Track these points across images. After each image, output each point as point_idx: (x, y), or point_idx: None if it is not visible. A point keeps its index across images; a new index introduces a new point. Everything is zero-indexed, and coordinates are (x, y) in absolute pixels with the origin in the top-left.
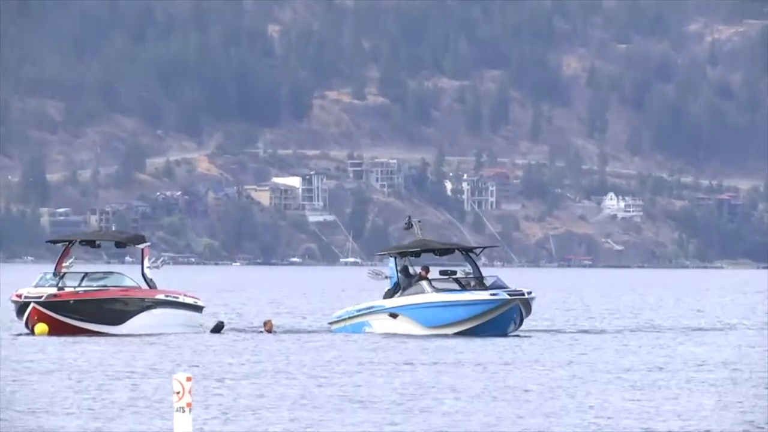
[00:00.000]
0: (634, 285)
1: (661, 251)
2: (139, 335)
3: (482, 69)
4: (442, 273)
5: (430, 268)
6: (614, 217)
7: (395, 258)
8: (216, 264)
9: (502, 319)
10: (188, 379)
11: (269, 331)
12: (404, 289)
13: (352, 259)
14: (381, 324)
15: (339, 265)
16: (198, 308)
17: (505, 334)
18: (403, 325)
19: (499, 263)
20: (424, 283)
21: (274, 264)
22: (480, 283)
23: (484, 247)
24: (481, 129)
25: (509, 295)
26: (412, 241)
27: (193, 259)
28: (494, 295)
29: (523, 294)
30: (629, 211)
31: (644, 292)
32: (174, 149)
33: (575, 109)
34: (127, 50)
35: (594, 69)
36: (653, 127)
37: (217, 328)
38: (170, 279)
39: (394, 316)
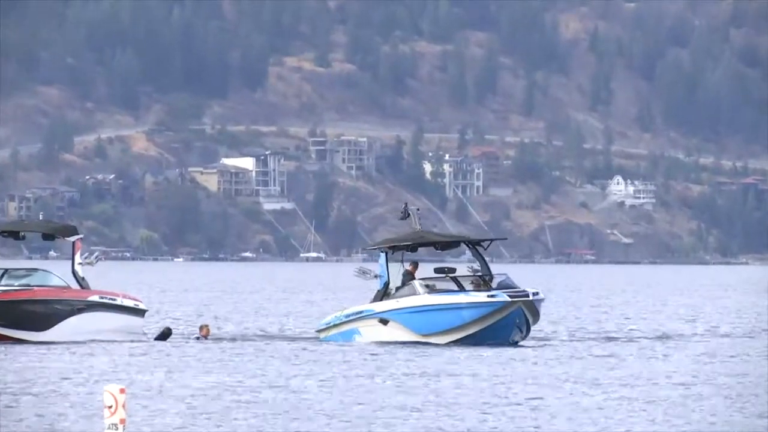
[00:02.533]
0: (644, 283)
1: (677, 244)
2: (68, 343)
3: (467, 31)
4: (437, 271)
5: (424, 266)
6: (621, 204)
7: (386, 253)
8: (155, 260)
9: (502, 325)
10: (122, 391)
11: (206, 337)
12: (396, 290)
13: (314, 254)
14: (371, 331)
15: (299, 260)
16: (139, 312)
17: (508, 343)
18: (395, 333)
19: (486, 258)
20: (416, 283)
21: (222, 259)
22: (484, 283)
23: (492, 240)
24: (466, 101)
25: (510, 296)
26: (408, 233)
27: (128, 254)
28: (492, 297)
29: (526, 295)
30: (639, 198)
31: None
32: (106, 125)
33: (575, 79)
34: (51, 10)
35: (597, 32)
36: (666, 99)
37: (164, 335)
38: (106, 277)
39: (384, 322)
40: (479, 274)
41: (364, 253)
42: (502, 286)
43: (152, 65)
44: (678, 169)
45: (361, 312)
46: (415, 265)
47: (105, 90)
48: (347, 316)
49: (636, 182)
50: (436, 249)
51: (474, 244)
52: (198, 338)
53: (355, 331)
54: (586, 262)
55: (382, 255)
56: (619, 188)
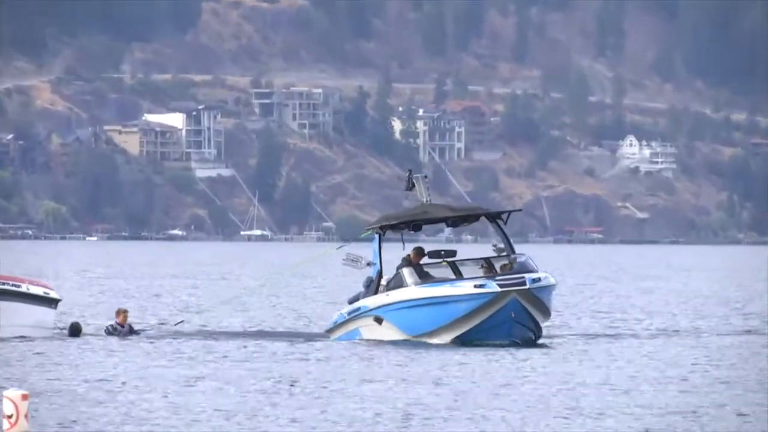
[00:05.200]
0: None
1: (703, 220)
2: None
3: None
4: (431, 254)
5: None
6: (635, 170)
7: (379, 235)
8: (63, 238)
9: (495, 323)
10: (24, 397)
11: (122, 325)
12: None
13: (258, 232)
14: (369, 331)
15: (239, 239)
16: (51, 302)
17: (512, 342)
18: (389, 332)
19: (470, 237)
20: (405, 271)
21: (145, 238)
22: (491, 268)
23: (511, 211)
24: (445, 45)
25: (501, 285)
26: (411, 208)
27: (29, 232)
28: (480, 287)
29: (523, 283)
30: (657, 163)
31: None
32: (3, 74)
33: (578, 17)
34: None
35: None
36: (690, 42)
37: (73, 331)
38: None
39: (378, 320)
40: (485, 257)
41: (320, 231)
42: (517, 270)
43: (59, 1)
44: (704, 128)
45: (358, 309)
46: (420, 251)
47: (1, 30)
48: (349, 313)
49: (653, 144)
50: (448, 225)
51: (494, 218)
52: (113, 326)
53: (356, 331)
54: (592, 241)
55: (376, 237)
56: (633, 151)
